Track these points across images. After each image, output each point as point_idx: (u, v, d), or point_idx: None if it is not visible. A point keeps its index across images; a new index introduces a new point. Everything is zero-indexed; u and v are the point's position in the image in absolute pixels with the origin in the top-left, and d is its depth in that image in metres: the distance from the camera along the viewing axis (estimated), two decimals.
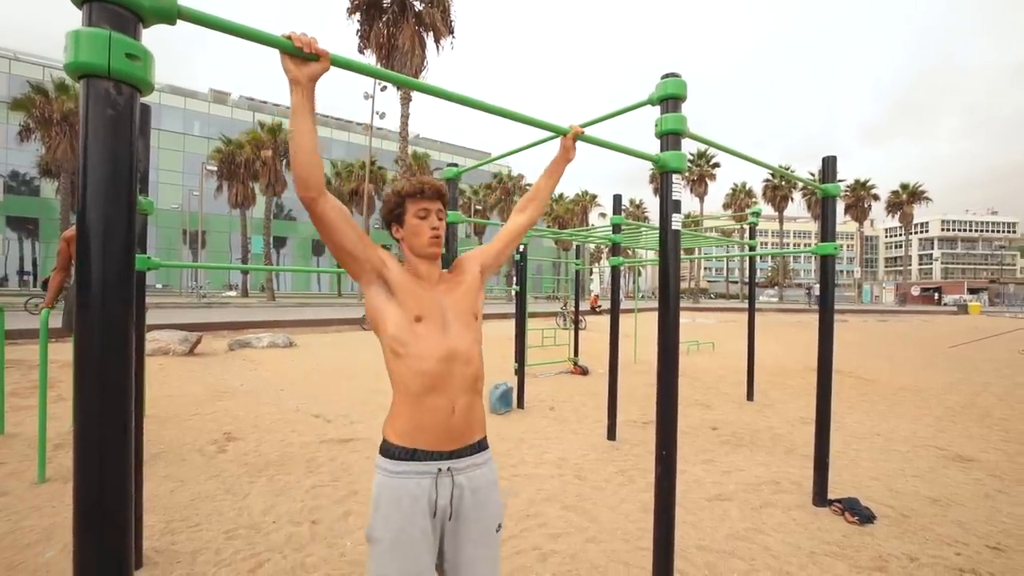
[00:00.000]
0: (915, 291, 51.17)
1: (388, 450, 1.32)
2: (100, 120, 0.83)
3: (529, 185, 46.80)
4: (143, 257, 2.25)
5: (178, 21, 0.96)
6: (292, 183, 1.21)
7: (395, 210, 1.46)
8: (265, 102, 50.40)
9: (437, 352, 1.33)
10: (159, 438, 4.22)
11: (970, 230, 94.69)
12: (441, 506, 1.31)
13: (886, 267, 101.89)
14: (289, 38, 1.09)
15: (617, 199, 4.95)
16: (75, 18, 0.86)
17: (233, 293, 37.86)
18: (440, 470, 1.31)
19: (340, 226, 1.29)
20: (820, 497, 3.13)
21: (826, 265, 3.23)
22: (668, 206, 1.76)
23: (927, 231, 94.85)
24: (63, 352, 7.09)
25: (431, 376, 1.31)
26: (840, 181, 3.30)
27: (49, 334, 3.56)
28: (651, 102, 1.82)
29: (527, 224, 1.67)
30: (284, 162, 32.49)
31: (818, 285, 3.27)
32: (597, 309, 23.54)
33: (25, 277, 37.15)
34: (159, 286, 40.64)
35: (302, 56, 1.11)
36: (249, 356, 9.03)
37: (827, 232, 3.23)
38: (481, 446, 1.41)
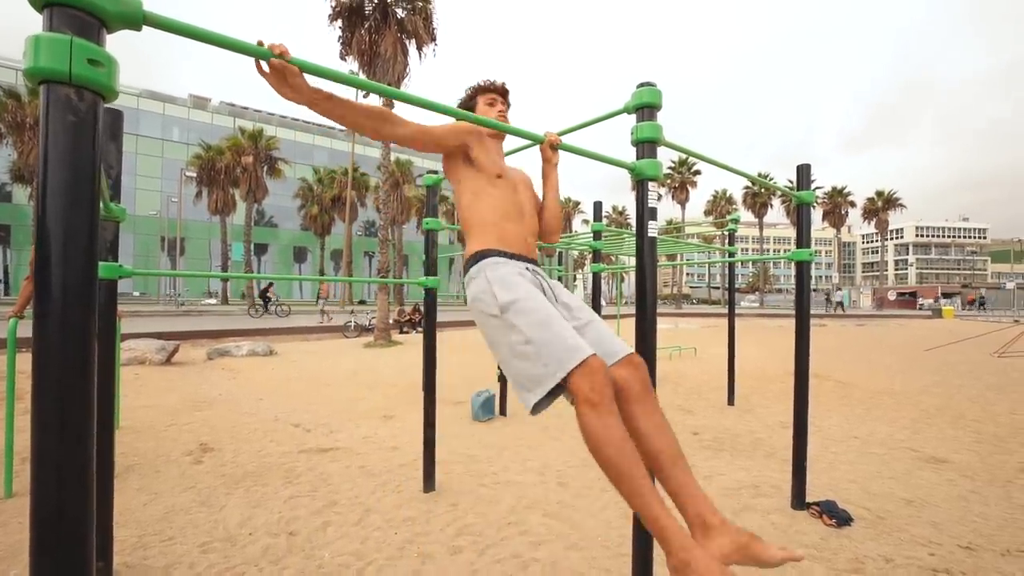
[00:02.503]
0: (891, 296, 52.30)
1: (489, 252, 1.59)
2: (60, 126, 0.82)
3: None
4: (113, 265, 2.21)
5: (144, 27, 0.95)
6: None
7: (468, 103, 1.88)
8: (246, 108, 49.80)
9: (512, 199, 1.71)
10: (133, 449, 4.11)
11: (943, 236, 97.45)
12: (543, 287, 1.58)
13: (863, 272, 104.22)
14: (260, 44, 1.08)
15: (598, 206, 4.99)
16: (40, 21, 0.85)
17: (213, 301, 37.18)
18: (528, 268, 1.61)
19: (425, 144, 1.63)
20: (798, 500, 3.17)
21: (801, 270, 3.29)
22: (644, 213, 1.78)
23: (902, 237, 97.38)
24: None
25: (509, 210, 1.67)
26: (816, 188, 3.37)
27: (17, 344, 3.45)
28: (627, 110, 1.84)
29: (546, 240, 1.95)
30: (265, 168, 32.12)
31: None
32: None
33: None
34: (136, 294, 39.70)
35: (264, 55, 1.11)
36: (228, 365, 8.86)
37: (802, 238, 3.30)
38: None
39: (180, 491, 3.33)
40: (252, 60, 1.14)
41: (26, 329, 4.43)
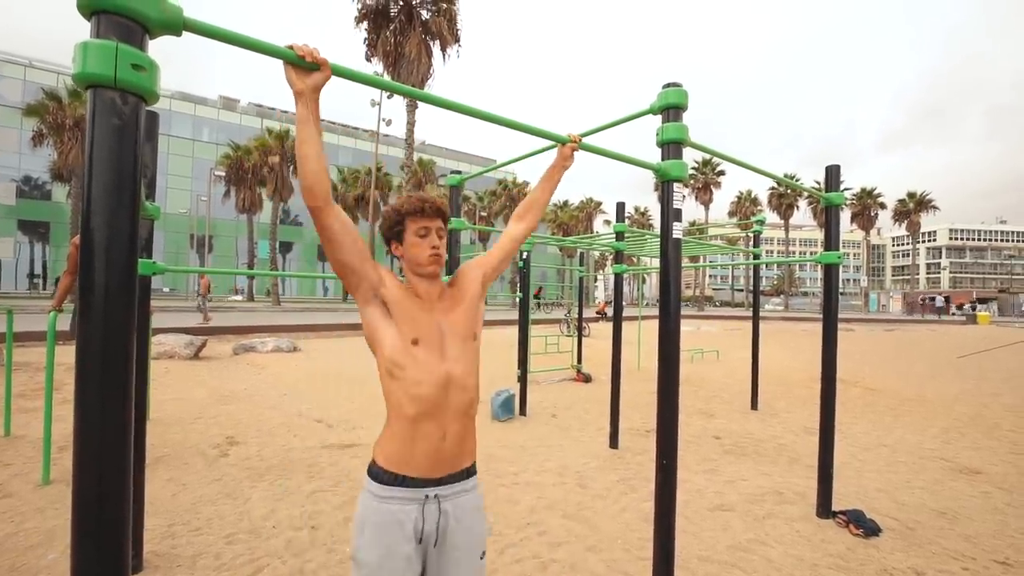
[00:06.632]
0: (922, 300, 50.55)
1: (377, 475, 1.31)
2: (106, 129, 0.85)
3: None
4: (148, 262, 2.28)
5: (184, 32, 0.98)
6: (300, 191, 1.23)
7: (394, 227, 1.40)
8: (273, 109, 50.83)
9: (433, 377, 1.31)
10: (163, 441, 4.24)
11: (979, 239, 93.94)
12: (426, 532, 1.30)
13: (893, 276, 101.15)
14: (291, 48, 1.10)
15: (620, 207, 4.96)
16: (85, 27, 0.88)
17: (239, 297, 38.03)
18: (427, 497, 1.31)
19: (342, 239, 1.27)
20: (824, 508, 3.10)
21: (830, 274, 3.21)
22: (669, 215, 1.76)
23: (935, 240, 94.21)
24: (69, 355, 7.12)
25: (426, 401, 1.30)
26: (845, 190, 3.30)
27: (56, 337, 3.59)
28: (652, 111, 1.83)
29: (526, 232, 1.63)
30: (291, 168, 32.72)
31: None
32: (604, 316, 23.45)
33: (35, 280, 37.51)
34: (166, 290, 40.89)
35: (304, 66, 1.12)
36: (253, 360, 9.06)
37: (831, 241, 3.23)
38: (469, 472, 1.40)
39: (207, 483, 3.42)
40: (279, 62, 1.15)
41: (64, 323, 4.62)
